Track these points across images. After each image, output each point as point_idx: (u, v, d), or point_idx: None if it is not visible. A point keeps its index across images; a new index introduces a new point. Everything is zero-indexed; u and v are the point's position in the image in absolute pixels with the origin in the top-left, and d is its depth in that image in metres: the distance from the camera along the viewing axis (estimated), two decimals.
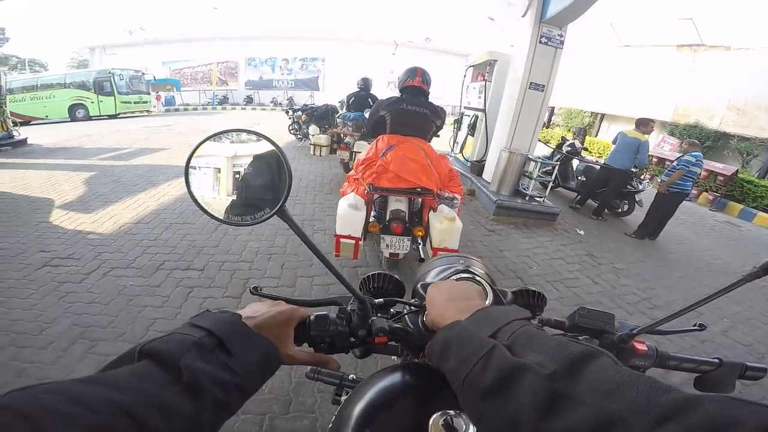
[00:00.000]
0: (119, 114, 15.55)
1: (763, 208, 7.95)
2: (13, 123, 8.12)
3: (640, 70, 11.78)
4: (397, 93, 2.92)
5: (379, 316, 0.64)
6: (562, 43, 4.98)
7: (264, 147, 0.55)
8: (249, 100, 21.38)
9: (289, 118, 9.01)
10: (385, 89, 17.48)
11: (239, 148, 0.58)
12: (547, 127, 14.47)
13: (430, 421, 0.47)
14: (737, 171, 8.52)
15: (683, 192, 4.88)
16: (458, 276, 0.69)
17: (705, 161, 7.80)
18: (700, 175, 5.77)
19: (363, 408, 0.52)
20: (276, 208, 0.53)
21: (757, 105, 9.00)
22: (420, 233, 2.55)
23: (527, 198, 5.03)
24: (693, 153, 4.84)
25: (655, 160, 9.87)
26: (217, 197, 0.57)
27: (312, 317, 0.59)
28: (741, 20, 9.21)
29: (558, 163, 5.75)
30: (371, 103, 5.74)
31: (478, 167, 6.07)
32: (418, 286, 0.72)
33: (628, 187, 5.55)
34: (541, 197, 5.17)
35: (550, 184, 5.40)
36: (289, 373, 1.95)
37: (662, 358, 0.67)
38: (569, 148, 6.31)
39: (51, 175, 5.43)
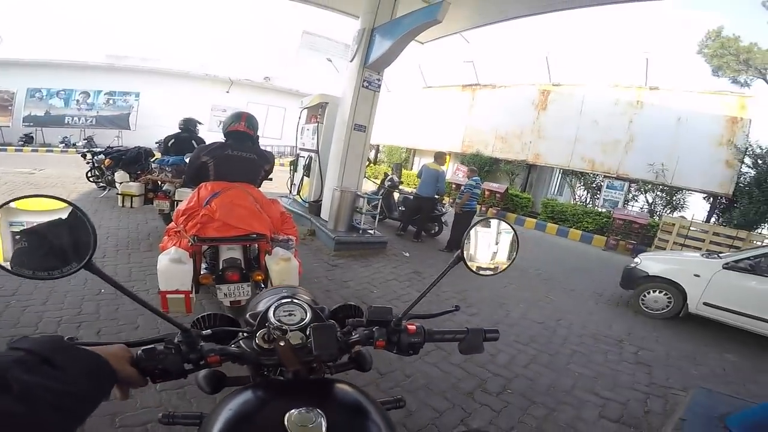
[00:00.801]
0: None
1: (528, 214, 10.82)
2: None
3: (438, 108, 14.18)
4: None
5: (208, 343, 0.72)
6: (379, 86, 5.71)
7: (58, 204, 0.60)
8: (29, 140, 16.51)
9: (87, 163, 7.43)
10: (216, 129, 16.33)
11: (31, 207, 0.60)
12: (374, 164, 16.04)
13: (285, 419, 0.56)
14: (507, 188, 11.30)
15: (472, 210, 6.20)
16: (279, 303, 0.80)
17: (486, 183, 10.42)
18: (482, 194, 7.48)
19: (221, 428, 0.59)
20: (84, 262, 0.59)
21: (513, 133, 11.95)
22: (259, 277, 2.49)
23: (361, 231, 5.51)
24: (474, 178, 6.28)
25: (453, 186, 11.83)
26: (17, 253, 0.59)
27: (140, 350, 0.66)
28: (504, 62, 12.17)
29: (381, 196, 6.52)
30: (195, 146, 5.34)
31: (315, 207, 6.31)
32: (248, 316, 0.84)
33: (435, 211, 6.70)
34: (372, 229, 5.74)
35: (378, 217, 6.05)
36: None
37: (430, 334, 0.82)
38: (389, 183, 7.23)
39: None
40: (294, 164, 7.49)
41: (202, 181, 2.66)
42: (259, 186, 2.91)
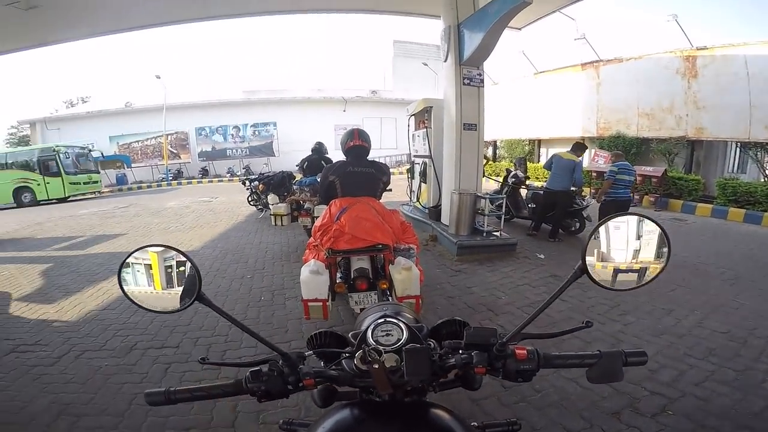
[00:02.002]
0: (69, 197, 14.53)
1: (700, 199, 8.74)
2: None
3: (557, 92, 12.75)
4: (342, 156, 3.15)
5: (309, 366, 0.75)
6: (482, 81, 5.42)
7: (171, 252, 0.77)
8: (204, 173, 20.96)
9: (247, 189, 8.91)
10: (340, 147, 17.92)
11: (155, 254, 0.78)
12: (494, 162, 15.29)
13: None
14: (666, 171, 9.35)
15: (618, 199, 5.31)
16: (377, 322, 0.79)
17: (637, 167, 8.53)
18: (634, 181, 6.32)
19: None
20: (194, 297, 0.71)
21: (661, 107, 9.96)
22: (384, 286, 2.64)
23: (485, 234, 5.26)
24: (617, 163, 5.39)
25: (594, 174, 10.55)
26: (147, 293, 0.76)
27: (248, 373, 0.71)
28: (621, 33, 10.38)
29: (506, 195, 6.10)
30: (324, 166, 5.99)
31: (435, 212, 6.32)
32: (350, 335, 0.84)
33: (574, 206, 5.95)
34: (498, 231, 5.43)
35: (504, 217, 5.69)
36: None
37: (547, 359, 0.71)
38: (514, 179, 6.75)
39: (3, 270, 5.24)
40: (411, 171, 7.69)
41: (332, 197, 2.98)
42: (380, 197, 3.10)
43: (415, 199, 7.45)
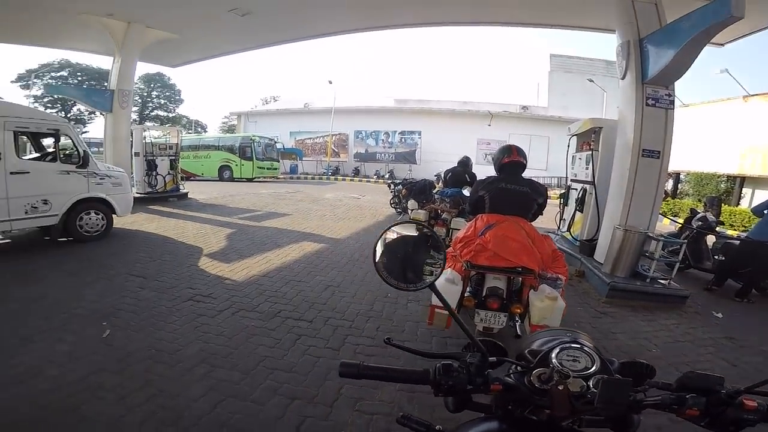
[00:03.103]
0: (254, 178, 18.28)
1: None
2: (180, 178, 10.32)
3: None
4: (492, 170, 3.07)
5: (495, 371, 0.77)
6: (672, 103, 4.68)
7: (424, 233, 0.85)
8: (356, 172, 23.60)
9: (391, 192, 9.49)
10: (482, 162, 17.64)
11: (406, 232, 0.87)
12: (672, 198, 12.69)
13: None
14: None
15: None
16: (564, 345, 0.77)
17: None
18: None
19: None
20: (432, 281, 0.78)
21: None
22: (518, 310, 2.51)
23: (648, 280, 4.46)
24: None
25: None
26: (390, 268, 0.85)
27: (439, 364, 0.74)
28: None
29: (686, 241, 5.05)
30: (467, 179, 5.92)
31: (588, 247, 5.57)
32: (526, 352, 0.84)
33: None
34: (667, 279, 4.55)
35: (677, 265, 4.73)
36: (368, 424, 2.09)
37: None
38: (700, 223, 5.48)
39: (202, 228, 6.82)
40: (564, 197, 6.97)
41: (479, 212, 2.92)
42: (533, 220, 2.90)
43: (564, 229, 6.71)
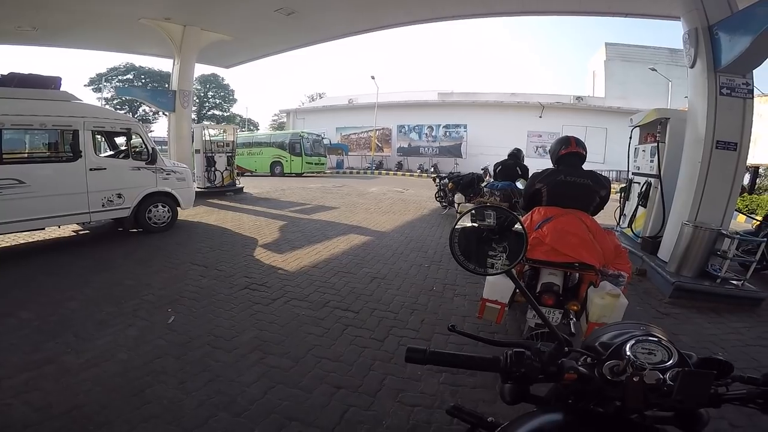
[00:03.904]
0: (303, 173, 18.91)
1: None
2: (237, 174, 10.92)
3: None
4: (548, 162, 2.95)
5: (568, 360, 0.75)
6: (750, 92, 4.30)
7: (508, 217, 0.82)
8: (399, 166, 23.57)
9: (436, 185, 9.29)
10: (533, 155, 16.90)
11: (485, 218, 0.85)
12: (749, 194, 11.36)
13: None
14: None
15: None
16: (640, 338, 0.75)
17: None
18: None
19: None
20: (511, 265, 0.76)
21: None
22: (575, 308, 2.38)
23: (719, 281, 4.10)
24: None
25: None
26: (468, 253, 0.83)
27: (511, 351, 0.73)
28: None
29: (766, 240, 4.57)
30: (519, 172, 5.69)
31: (651, 244, 5.18)
32: (596, 344, 0.82)
33: None
34: (741, 280, 4.15)
35: (753, 265, 4.32)
36: (409, 415, 2.10)
37: None
38: None
39: (257, 220, 7.20)
40: (626, 191, 6.50)
41: (535, 206, 2.79)
42: (595, 214, 2.73)
43: (625, 224, 6.27)
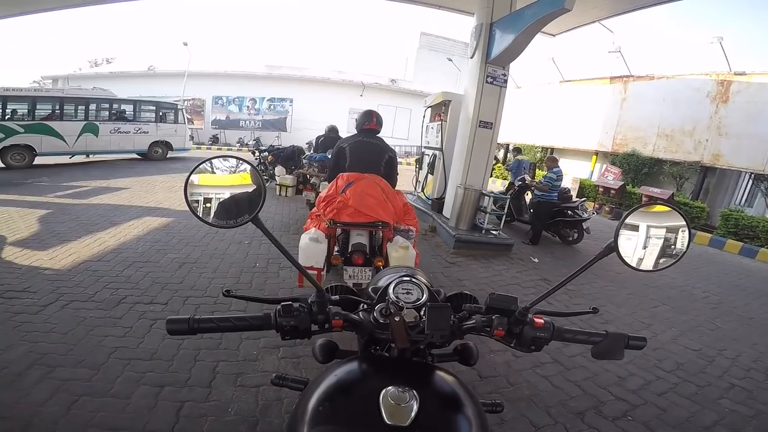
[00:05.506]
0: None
1: (702, 227, 8.79)
2: None
3: (579, 103, 12.70)
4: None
5: (335, 307, 0.78)
6: (505, 82, 5.46)
7: (242, 167, 0.75)
8: (215, 140, 21.13)
9: (256, 159, 8.95)
10: (353, 131, 17.84)
11: (223, 168, 0.77)
12: (502, 164, 15.24)
13: (381, 395, 0.59)
14: (673, 194, 9.36)
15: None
16: (399, 280, 0.83)
17: (643, 187, 9.31)
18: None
19: (321, 393, 0.64)
20: (252, 216, 0.69)
21: (681, 131, 9.90)
22: (380, 263, 2.69)
23: (484, 231, 5.35)
24: (554, 169, 5.75)
25: (601, 189, 10.61)
26: (206, 206, 0.74)
27: (279, 306, 0.73)
28: (659, 50, 10.24)
29: (510, 197, 6.19)
30: None
31: (438, 204, 6.40)
32: (369, 289, 0.91)
33: (573, 215, 6.03)
34: (497, 230, 5.52)
35: (504, 218, 5.79)
36: (256, 396, 2.05)
37: (559, 331, 0.76)
38: (520, 183, 6.80)
39: (2, 212, 5.26)
40: (419, 162, 7.74)
41: (340, 170, 3.05)
42: (388, 177, 3.12)
43: (420, 190, 7.51)
